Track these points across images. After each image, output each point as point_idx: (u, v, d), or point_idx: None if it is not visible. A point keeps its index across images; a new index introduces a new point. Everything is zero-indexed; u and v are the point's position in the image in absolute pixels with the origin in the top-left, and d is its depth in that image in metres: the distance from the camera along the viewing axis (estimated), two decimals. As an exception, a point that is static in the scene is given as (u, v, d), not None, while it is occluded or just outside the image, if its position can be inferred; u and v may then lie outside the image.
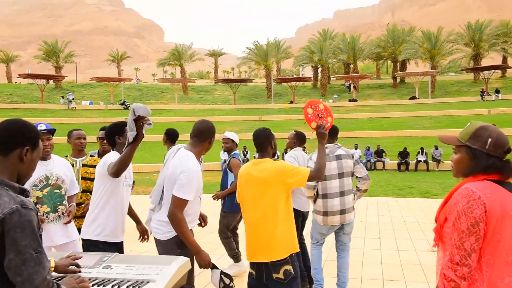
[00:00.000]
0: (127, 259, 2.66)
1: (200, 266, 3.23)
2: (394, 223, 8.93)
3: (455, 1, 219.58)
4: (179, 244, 3.26)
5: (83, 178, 4.61)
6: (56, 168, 3.81)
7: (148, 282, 2.31)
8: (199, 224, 3.64)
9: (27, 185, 3.54)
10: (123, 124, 3.55)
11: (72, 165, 4.39)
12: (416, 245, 7.00)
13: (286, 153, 5.26)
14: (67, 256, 2.50)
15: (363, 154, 24.36)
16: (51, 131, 3.78)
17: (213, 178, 15.00)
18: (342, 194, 4.58)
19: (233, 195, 5.64)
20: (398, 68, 58.61)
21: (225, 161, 5.95)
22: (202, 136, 3.39)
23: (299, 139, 5.41)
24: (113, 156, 3.48)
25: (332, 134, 4.60)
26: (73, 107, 46.36)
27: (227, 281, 3.24)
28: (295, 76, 67.61)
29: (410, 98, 48.58)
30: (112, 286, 2.28)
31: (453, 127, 29.95)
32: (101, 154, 5.29)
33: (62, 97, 49.68)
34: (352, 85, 54.35)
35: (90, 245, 3.46)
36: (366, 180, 4.77)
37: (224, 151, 5.85)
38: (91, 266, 2.50)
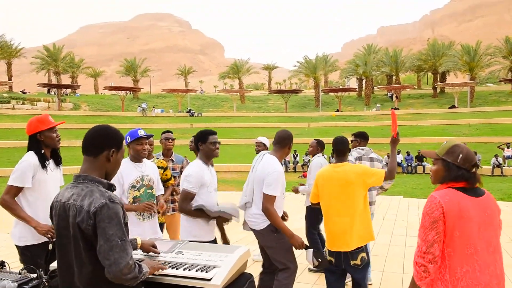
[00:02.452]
0: (196, 246, 2.72)
1: (295, 248, 3.38)
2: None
3: (493, 17, 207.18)
4: (274, 230, 3.42)
5: None
6: (148, 170, 3.66)
7: (214, 267, 2.36)
8: (282, 217, 3.65)
9: (126, 186, 3.51)
10: (207, 132, 3.56)
11: None
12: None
13: (306, 155, 5.39)
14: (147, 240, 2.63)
15: (403, 159, 23.58)
16: (148, 137, 3.68)
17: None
18: (369, 189, 4.64)
19: None
20: (438, 79, 56.25)
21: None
22: (283, 143, 3.60)
23: (321, 146, 5.57)
24: (195, 170, 3.42)
25: (366, 138, 5.03)
26: (153, 115, 48.03)
27: (319, 258, 3.33)
28: (341, 87, 66.53)
29: (449, 107, 46.45)
30: (184, 269, 2.34)
31: (491, 134, 28.34)
32: (165, 155, 5.37)
33: (139, 106, 51.67)
34: (394, 95, 52.82)
35: None
36: (391, 181, 4.73)
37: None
38: (165, 251, 2.59)
